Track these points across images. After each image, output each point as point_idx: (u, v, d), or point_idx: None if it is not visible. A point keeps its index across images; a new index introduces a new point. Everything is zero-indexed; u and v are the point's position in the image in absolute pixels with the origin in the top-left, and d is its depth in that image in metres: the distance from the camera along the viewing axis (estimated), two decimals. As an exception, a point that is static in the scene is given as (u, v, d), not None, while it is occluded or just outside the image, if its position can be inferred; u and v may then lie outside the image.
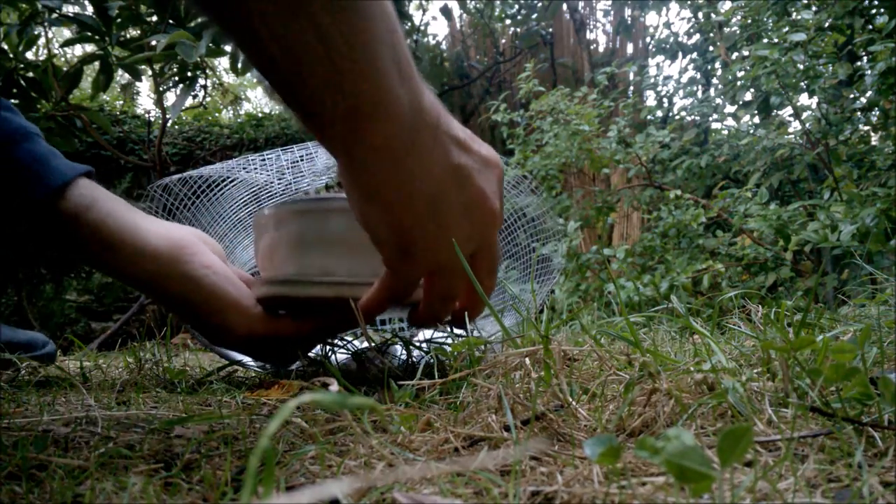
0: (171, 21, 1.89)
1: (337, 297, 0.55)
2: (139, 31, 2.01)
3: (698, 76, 3.84)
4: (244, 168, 0.93)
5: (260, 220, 0.63)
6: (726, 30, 3.36)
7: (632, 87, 4.27)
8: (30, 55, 2.14)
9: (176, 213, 0.84)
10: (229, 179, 0.90)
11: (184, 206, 0.85)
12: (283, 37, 0.40)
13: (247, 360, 0.74)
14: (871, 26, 2.58)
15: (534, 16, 5.59)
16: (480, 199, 0.51)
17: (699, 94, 3.65)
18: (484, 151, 0.52)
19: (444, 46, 6.18)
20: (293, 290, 0.56)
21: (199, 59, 1.86)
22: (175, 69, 2.11)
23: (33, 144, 0.59)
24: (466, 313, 0.59)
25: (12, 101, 1.81)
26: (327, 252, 0.57)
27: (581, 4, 5.50)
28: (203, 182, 0.87)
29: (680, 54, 4.12)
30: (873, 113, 2.63)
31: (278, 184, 0.95)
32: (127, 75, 2.41)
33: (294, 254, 0.58)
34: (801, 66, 2.45)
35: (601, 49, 5.56)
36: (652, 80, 3.85)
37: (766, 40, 2.61)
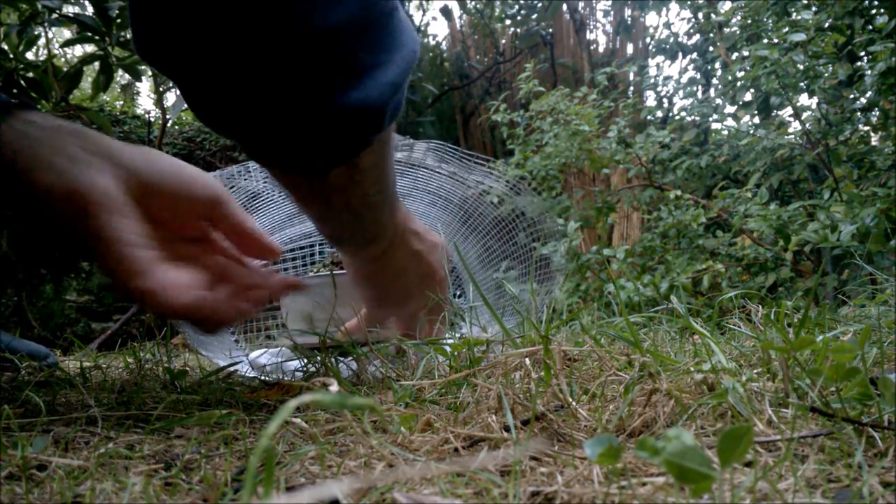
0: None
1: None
2: (139, 32, 2.01)
3: (698, 76, 3.84)
4: (244, 177, 0.93)
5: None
6: (726, 30, 3.36)
7: (632, 88, 4.27)
8: (30, 55, 2.14)
9: None
10: (228, 187, 0.90)
11: None
12: (337, 224, 0.68)
13: (243, 364, 0.74)
14: (871, 26, 2.58)
15: (534, 16, 5.59)
16: (431, 272, 0.76)
17: (699, 94, 3.65)
18: (433, 238, 0.77)
19: (444, 46, 6.18)
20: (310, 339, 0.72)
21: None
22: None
23: None
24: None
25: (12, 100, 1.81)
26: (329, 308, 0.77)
27: (581, 4, 5.50)
28: None
29: (680, 54, 4.12)
30: (873, 113, 2.63)
31: (275, 192, 0.95)
32: (127, 75, 2.41)
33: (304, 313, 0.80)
34: (801, 67, 2.45)
35: (601, 49, 5.56)
36: (652, 81, 3.85)
37: (766, 40, 2.61)
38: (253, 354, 0.79)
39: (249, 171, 0.94)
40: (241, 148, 0.60)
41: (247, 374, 0.75)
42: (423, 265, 0.76)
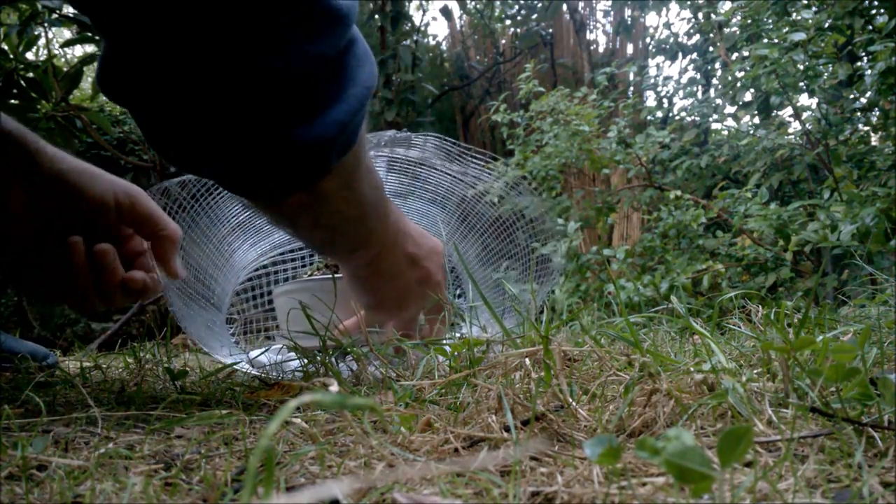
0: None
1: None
2: (139, 32, 2.01)
3: (698, 76, 3.84)
4: None
5: (282, 288, 0.88)
6: (726, 30, 3.36)
7: (632, 88, 4.27)
8: (30, 55, 2.13)
9: (175, 217, 0.84)
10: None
11: (183, 209, 0.85)
12: (317, 237, 0.71)
13: (243, 363, 0.74)
14: (871, 26, 2.58)
15: (534, 16, 5.59)
16: (427, 276, 0.77)
17: (699, 94, 3.65)
18: (429, 243, 0.79)
19: (444, 47, 6.18)
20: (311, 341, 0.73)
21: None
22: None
23: None
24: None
25: (12, 101, 1.81)
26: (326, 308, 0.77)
27: (581, 5, 5.50)
28: (202, 185, 0.87)
29: (680, 55, 4.12)
30: (873, 113, 2.62)
31: None
32: (127, 76, 2.40)
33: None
34: (801, 66, 2.44)
35: (601, 49, 5.55)
36: (652, 81, 3.85)
37: (766, 40, 2.61)
38: (253, 354, 0.79)
39: None
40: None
41: (248, 372, 0.75)
42: (418, 269, 0.77)
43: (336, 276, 0.83)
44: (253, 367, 0.75)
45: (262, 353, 0.78)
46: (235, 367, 0.72)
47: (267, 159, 0.54)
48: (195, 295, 0.84)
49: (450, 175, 0.96)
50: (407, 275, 0.76)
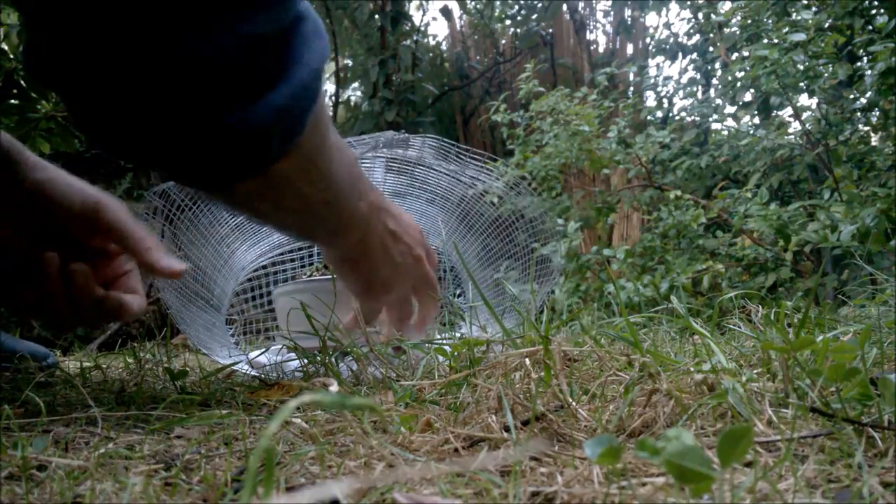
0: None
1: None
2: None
3: (698, 77, 3.84)
4: None
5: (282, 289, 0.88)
6: (726, 30, 3.36)
7: (632, 88, 4.27)
8: (30, 55, 2.13)
9: (174, 220, 0.84)
10: None
11: (181, 210, 0.85)
12: (290, 223, 0.67)
13: (243, 364, 0.75)
14: (871, 27, 2.58)
15: (534, 16, 5.59)
16: (408, 249, 0.76)
17: (699, 94, 3.65)
18: (406, 218, 0.78)
19: (444, 47, 6.18)
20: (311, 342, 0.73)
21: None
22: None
23: None
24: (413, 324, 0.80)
25: (12, 101, 1.81)
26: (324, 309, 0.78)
27: (581, 5, 5.50)
28: None
29: (680, 55, 4.12)
30: (873, 113, 2.62)
31: None
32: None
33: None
34: (801, 67, 2.44)
35: (601, 49, 5.55)
36: (652, 81, 3.85)
37: (766, 40, 2.61)
38: (253, 354, 0.79)
39: None
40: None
41: (248, 374, 0.75)
42: (401, 244, 0.75)
43: (316, 277, 0.83)
44: (252, 367, 0.75)
45: (262, 353, 0.78)
46: (235, 367, 0.72)
47: (199, 149, 0.51)
48: (194, 296, 0.84)
49: (448, 175, 0.96)
50: (392, 252, 0.74)
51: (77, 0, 0.44)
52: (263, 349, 0.79)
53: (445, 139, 0.93)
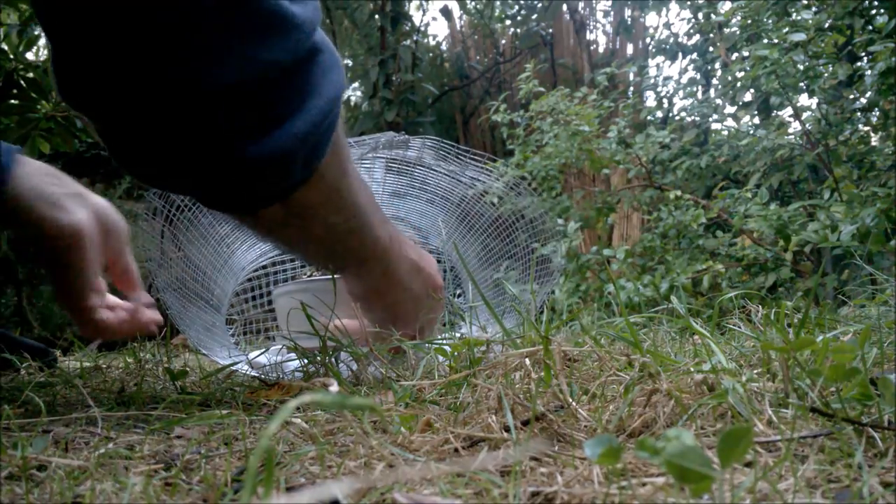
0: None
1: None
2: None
3: (698, 77, 3.84)
4: None
5: (281, 289, 0.87)
6: (726, 30, 3.36)
7: (632, 88, 4.27)
8: (30, 55, 2.13)
9: (174, 220, 0.84)
10: None
11: (181, 211, 0.85)
12: (315, 251, 0.69)
13: (242, 364, 0.75)
14: (871, 27, 2.58)
15: (534, 16, 5.59)
16: (430, 279, 0.76)
17: (699, 94, 3.65)
18: (420, 250, 0.79)
19: (444, 47, 6.18)
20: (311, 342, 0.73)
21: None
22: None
23: None
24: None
25: (12, 101, 1.81)
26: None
27: (581, 5, 5.50)
28: None
29: (680, 55, 4.12)
30: (873, 113, 2.62)
31: None
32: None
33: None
34: (801, 67, 2.44)
35: (601, 49, 5.55)
36: (652, 81, 3.85)
37: (766, 40, 2.61)
38: (253, 354, 0.79)
39: None
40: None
41: (247, 373, 0.75)
42: (423, 274, 0.76)
43: (336, 276, 0.83)
44: (252, 368, 0.75)
45: (261, 353, 0.78)
46: (235, 368, 0.72)
47: (223, 175, 0.52)
48: (193, 297, 0.84)
49: (448, 176, 0.96)
50: (416, 282, 0.75)
51: (101, 33, 0.45)
52: (263, 349, 0.79)
53: (445, 140, 0.93)
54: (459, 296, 1.03)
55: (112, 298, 0.77)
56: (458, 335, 0.79)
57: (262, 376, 0.72)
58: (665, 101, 3.78)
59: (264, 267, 1.01)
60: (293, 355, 0.71)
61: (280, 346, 0.74)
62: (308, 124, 0.51)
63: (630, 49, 5.28)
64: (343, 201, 0.62)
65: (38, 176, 0.71)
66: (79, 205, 0.73)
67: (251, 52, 0.47)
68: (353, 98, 6.11)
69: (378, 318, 0.75)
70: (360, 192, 0.65)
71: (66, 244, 0.70)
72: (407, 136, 0.92)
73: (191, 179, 0.54)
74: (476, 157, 0.93)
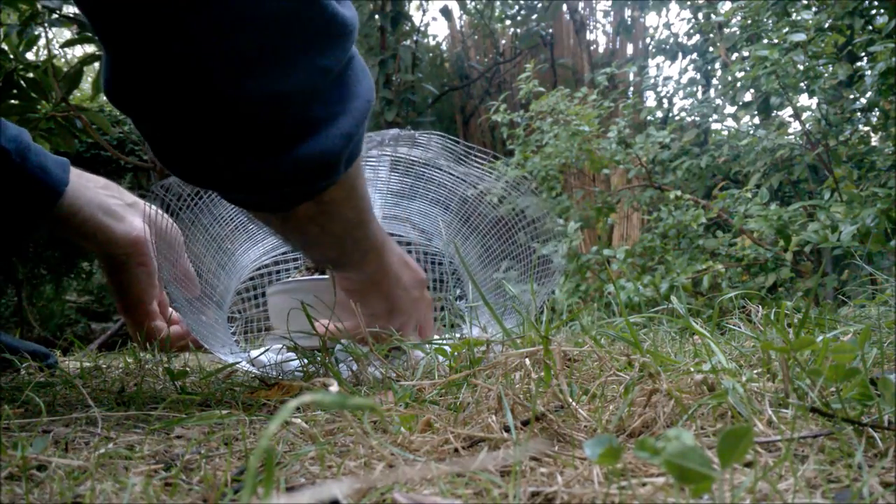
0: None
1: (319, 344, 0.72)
2: (139, 32, 2.00)
3: (698, 77, 3.84)
4: None
5: (274, 288, 0.88)
6: (726, 30, 3.36)
7: (632, 88, 4.26)
8: (30, 56, 2.13)
9: (179, 214, 0.84)
10: None
11: (186, 206, 0.84)
12: (327, 247, 0.70)
13: (244, 363, 0.75)
14: (871, 27, 2.58)
15: (534, 16, 5.58)
16: (416, 272, 0.79)
17: (699, 94, 3.65)
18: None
19: (444, 47, 6.18)
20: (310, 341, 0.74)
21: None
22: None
23: (33, 155, 0.72)
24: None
25: (12, 101, 1.81)
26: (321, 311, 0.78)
27: (581, 5, 5.50)
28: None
29: (680, 55, 4.11)
30: (873, 113, 2.62)
31: None
32: (127, 76, 2.40)
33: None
34: (801, 67, 2.44)
35: (601, 50, 5.55)
36: (652, 81, 3.85)
37: (766, 41, 2.61)
38: (254, 353, 0.79)
39: None
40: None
41: (248, 372, 0.75)
42: (411, 268, 0.78)
43: (326, 275, 0.83)
44: (254, 366, 0.75)
45: (263, 352, 0.78)
46: (236, 366, 0.72)
47: (275, 174, 0.54)
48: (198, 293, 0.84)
49: (453, 175, 0.96)
50: (405, 274, 0.77)
51: (160, 41, 0.47)
52: (264, 348, 0.79)
53: (451, 136, 0.93)
54: (461, 298, 1.03)
55: (173, 312, 0.83)
56: (458, 336, 0.79)
57: (264, 373, 0.73)
58: (665, 101, 3.78)
59: (266, 266, 1.01)
60: (292, 354, 0.71)
61: (280, 346, 0.74)
62: (351, 124, 0.55)
63: (630, 49, 5.28)
64: (357, 196, 0.65)
65: (93, 188, 0.76)
66: (134, 215, 0.78)
67: (313, 59, 0.50)
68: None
69: (375, 311, 0.76)
70: (365, 189, 0.67)
71: (125, 253, 0.76)
72: (413, 132, 0.92)
73: (241, 180, 0.56)
74: (480, 155, 0.93)
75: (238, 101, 0.49)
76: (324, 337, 0.67)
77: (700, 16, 3.66)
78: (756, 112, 2.93)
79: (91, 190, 0.75)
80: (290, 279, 0.93)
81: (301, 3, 0.47)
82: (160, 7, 0.45)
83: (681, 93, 3.72)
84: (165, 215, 0.78)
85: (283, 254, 1.02)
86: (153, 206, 0.77)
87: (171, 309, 0.84)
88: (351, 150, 0.56)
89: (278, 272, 1.03)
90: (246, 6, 0.46)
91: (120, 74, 0.50)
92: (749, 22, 2.73)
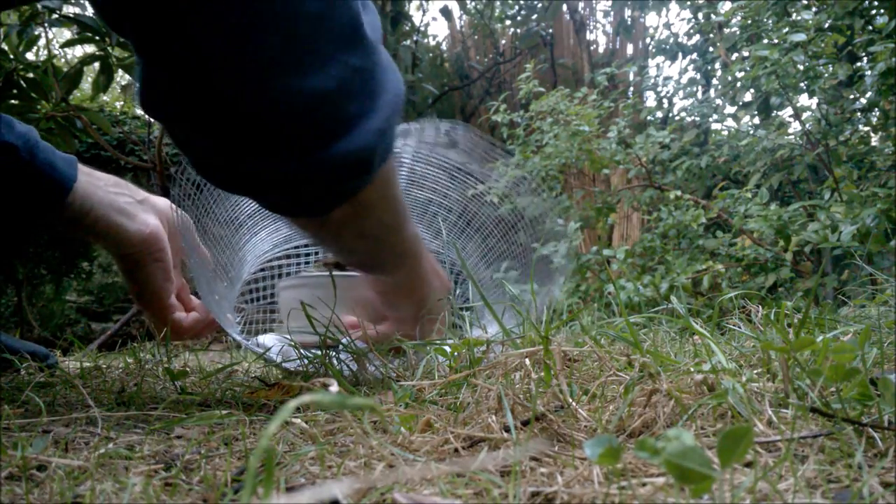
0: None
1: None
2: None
3: (698, 77, 3.83)
4: None
5: (286, 283, 0.88)
6: (726, 30, 3.36)
7: (632, 88, 4.26)
8: (30, 56, 2.13)
9: (196, 200, 0.84)
10: None
11: (203, 194, 0.84)
12: (363, 250, 0.70)
13: (272, 353, 0.75)
14: (871, 27, 2.58)
15: (534, 16, 5.58)
16: (445, 280, 0.80)
17: (699, 94, 3.65)
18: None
19: (444, 47, 6.18)
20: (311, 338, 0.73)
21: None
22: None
23: (41, 152, 0.72)
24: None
25: (12, 101, 1.81)
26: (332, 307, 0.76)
27: (581, 5, 5.50)
28: None
29: (680, 55, 4.11)
30: (873, 113, 2.62)
31: None
32: (127, 76, 2.41)
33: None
34: (801, 67, 2.44)
35: (601, 50, 5.55)
36: (652, 81, 3.85)
37: (766, 41, 2.61)
38: (261, 338, 0.79)
39: None
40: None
41: (249, 372, 0.75)
42: (440, 277, 0.79)
43: (336, 273, 0.83)
44: (261, 351, 0.75)
45: (270, 338, 0.78)
46: (239, 364, 0.72)
47: (311, 174, 0.55)
48: (216, 269, 0.85)
49: (452, 175, 0.95)
50: (436, 280, 0.78)
51: (198, 45, 0.47)
52: (272, 335, 0.80)
53: (472, 127, 0.92)
54: (465, 307, 1.03)
55: (192, 299, 0.83)
56: (458, 335, 0.79)
57: (273, 361, 0.73)
58: (665, 101, 3.78)
59: (269, 261, 1.02)
60: (293, 353, 0.71)
61: (282, 345, 0.74)
62: (382, 120, 0.55)
63: (630, 49, 5.27)
64: (392, 200, 0.65)
65: (104, 187, 0.76)
66: (146, 211, 0.78)
67: (344, 56, 0.51)
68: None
69: (404, 315, 0.77)
70: (399, 190, 0.68)
71: (138, 250, 0.77)
72: (439, 123, 0.91)
73: (279, 182, 0.56)
74: (499, 151, 0.92)
75: (277, 101, 0.50)
76: (332, 336, 0.67)
77: (700, 16, 3.66)
78: (756, 112, 2.93)
79: (102, 189, 0.76)
80: (301, 275, 0.93)
81: (329, 2, 0.48)
82: (202, 9, 0.46)
83: (681, 93, 3.72)
84: (173, 206, 0.78)
85: (296, 248, 1.02)
86: (163, 199, 0.78)
87: (192, 296, 0.85)
88: (384, 146, 0.57)
89: (288, 265, 1.03)
90: (281, 7, 0.47)
91: (153, 81, 0.51)
92: (749, 22, 2.73)
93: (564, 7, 5.41)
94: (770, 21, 2.65)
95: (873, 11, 2.60)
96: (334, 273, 0.82)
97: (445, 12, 5.87)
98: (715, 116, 3.19)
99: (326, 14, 0.49)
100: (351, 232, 0.65)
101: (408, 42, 4.96)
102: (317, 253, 1.04)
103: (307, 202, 0.59)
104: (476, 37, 5.93)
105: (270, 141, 0.52)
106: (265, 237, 0.98)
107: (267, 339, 0.77)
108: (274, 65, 0.48)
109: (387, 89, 0.56)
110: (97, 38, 1.84)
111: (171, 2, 0.46)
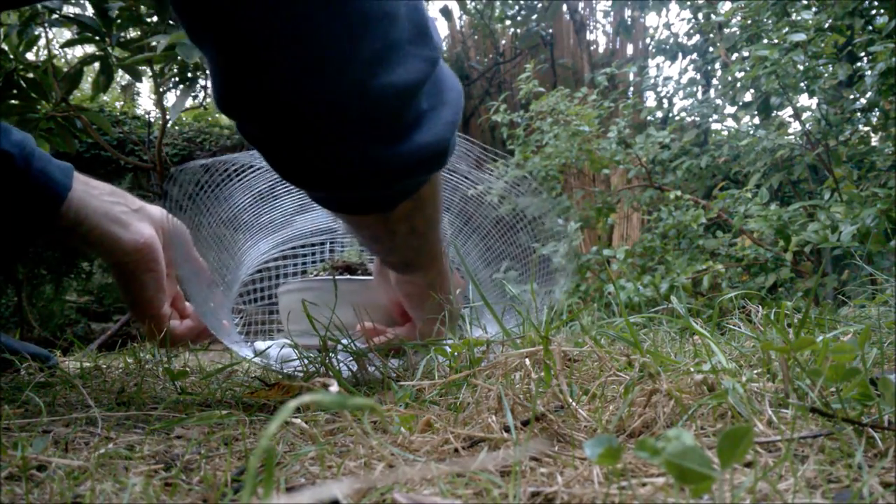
0: (171, 22, 1.89)
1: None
2: (139, 32, 2.01)
3: (698, 77, 3.84)
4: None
5: (288, 286, 0.88)
6: (726, 30, 3.36)
7: (632, 88, 4.26)
8: (30, 56, 2.13)
9: (197, 199, 0.83)
10: (251, 167, 0.89)
11: (205, 192, 0.84)
12: (410, 246, 0.70)
13: (248, 353, 0.75)
14: (871, 27, 2.58)
15: (534, 16, 5.58)
16: (459, 280, 0.81)
17: (699, 94, 3.65)
18: None
19: (444, 47, 6.18)
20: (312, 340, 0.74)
21: (199, 60, 1.86)
22: (175, 70, 2.11)
23: (36, 160, 0.72)
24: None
25: (12, 101, 1.81)
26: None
27: (581, 5, 5.50)
28: (225, 169, 0.86)
29: (680, 55, 4.11)
30: (873, 113, 2.62)
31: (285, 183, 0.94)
32: (127, 76, 2.41)
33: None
34: (801, 67, 2.44)
35: (601, 50, 5.55)
36: (652, 81, 3.85)
37: (766, 41, 2.61)
38: (260, 345, 0.79)
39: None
40: (315, 199, 0.67)
41: (249, 372, 0.75)
42: (455, 276, 0.81)
43: (343, 277, 0.83)
44: (258, 356, 0.75)
45: (269, 346, 0.78)
46: (235, 369, 0.72)
47: (397, 162, 0.56)
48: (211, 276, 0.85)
49: (452, 175, 0.95)
50: (454, 280, 0.80)
51: (280, 48, 0.48)
52: (271, 343, 0.80)
53: (465, 136, 0.92)
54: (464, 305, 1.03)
55: (188, 306, 0.84)
56: (458, 336, 0.79)
57: (273, 367, 0.73)
58: (665, 101, 3.78)
59: (265, 263, 1.01)
60: (293, 355, 0.71)
61: (282, 345, 0.74)
62: (452, 112, 0.57)
63: (630, 49, 5.27)
64: (439, 194, 0.67)
65: (99, 196, 0.76)
66: (141, 221, 0.79)
67: (421, 51, 0.53)
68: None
69: (431, 314, 0.78)
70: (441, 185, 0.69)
71: (132, 259, 0.77)
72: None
73: (361, 173, 0.57)
74: (491, 157, 0.93)
75: (367, 95, 0.51)
76: (324, 338, 0.67)
77: (700, 16, 3.66)
78: (756, 112, 2.93)
79: (97, 198, 0.76)
80: (303, 279, 0.93)
81: (406, 1, 0.51)
82: (305, 11, 0.47)
83: (681, 93, 3.72)
84: (169, 215, 0.78)
85: (293, 248, 1.02)
86: (158, 208, 0.78)
87: (187, 303, 0.85)
88: (455, 139, 0.59)
89: (278, 268, 1.03)
90: (370, 8, 0.48)
91: (233, 84, 0.51)
92: (749, 22, 2.73)
93: (564, 7, 5.41)
94: (770, 21, 2.65)
95: (873, 11, 2.60)
96: (337, 278, 0.82)
97: (445, 12, 5.87)
98: (715, 116, 3.19)
99: (403, 13, 0.51)
100: (405, 227, 0.66)
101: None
102: (314, 254, 1.04)
103: (378, 197, 0.60)
104: (476, 37, 5.93)
105: (360, 131, 0.53)
106: (265, 237, 0.98)
107: (266, 346, 0.77)
108: (367, 64, 0.50)
109: (451, 86, 0.58)
110: (97, 38, 1.84)
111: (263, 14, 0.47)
